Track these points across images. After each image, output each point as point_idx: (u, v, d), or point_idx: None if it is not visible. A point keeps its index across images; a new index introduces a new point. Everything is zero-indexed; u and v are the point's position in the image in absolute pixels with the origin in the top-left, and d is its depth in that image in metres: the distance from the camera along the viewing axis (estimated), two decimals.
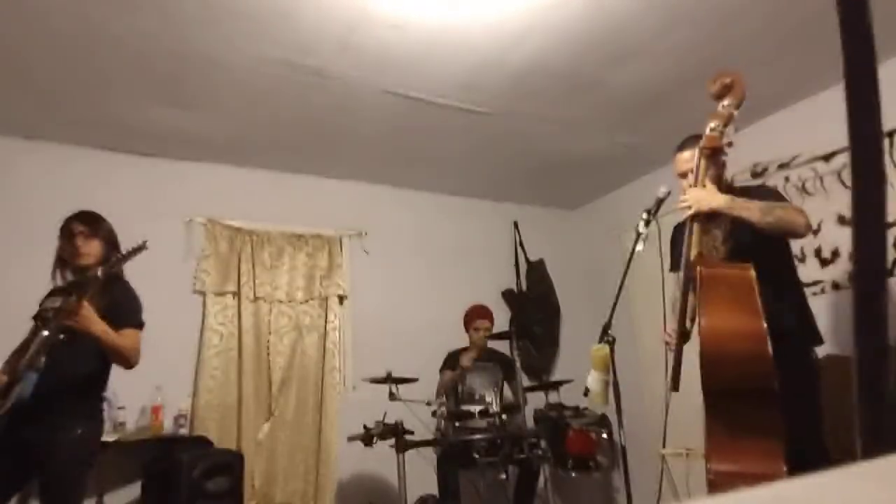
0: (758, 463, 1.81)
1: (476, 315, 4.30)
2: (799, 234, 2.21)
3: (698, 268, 2.05)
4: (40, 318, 2.45)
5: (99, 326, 2.29)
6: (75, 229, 2.50)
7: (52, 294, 2.55)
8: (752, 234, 2.22)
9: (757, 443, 1.84)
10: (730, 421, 1.88)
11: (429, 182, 4.90)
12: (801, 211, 2.23)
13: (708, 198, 2.18)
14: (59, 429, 2.32)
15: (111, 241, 2.57)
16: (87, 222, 2.54)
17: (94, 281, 2.27)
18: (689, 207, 2.20)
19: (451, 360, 4.26)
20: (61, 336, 2.27)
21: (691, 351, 2.22)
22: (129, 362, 2.44)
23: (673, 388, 2.20)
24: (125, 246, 2.61)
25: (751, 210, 2.15)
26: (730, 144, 2.16)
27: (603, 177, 4.98)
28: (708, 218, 2.22)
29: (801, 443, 2.03)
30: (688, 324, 2.28)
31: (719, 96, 2.16)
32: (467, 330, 4.31)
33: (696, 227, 2.19)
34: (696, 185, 2.21)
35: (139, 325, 2.52)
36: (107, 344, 2.34)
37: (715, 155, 2.22)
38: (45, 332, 2.27)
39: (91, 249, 2.50)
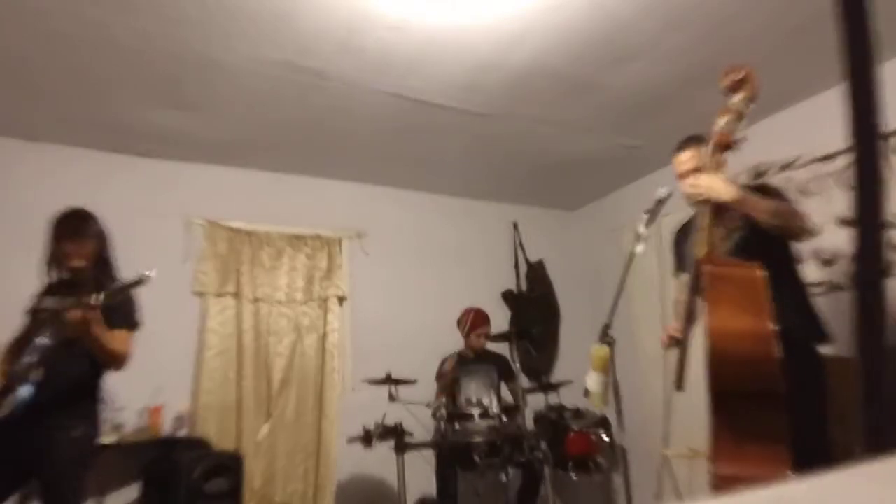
0: (762, 467, 1.78)
1: (478, 323, 4.23)
2: (800, 239, 2.20)
3: (705, 266, 2.00)
4: (37, 319, 2.45)
5: (101, 331, 2.29)
6: (64, 233, 2.47)
7: (48, 291, 2.54)
8: (754, 233, 2.21)
9: (762, 446, 1.82)
10: (735, 423, 1.85)
11: (428, 183, 4.90)
12: (806, 216, 2.22)
13: (722, 186, 2.13)
14: (56, 430, 2.31)
15: (102, 241, 2.55)
16: (77, 224, 2.49)
17: (90, 306, 2.20)
18: (701, 193, 2.13)
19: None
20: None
21: (696, 350, 2.22)
22: (117, 364, 2.43)
23: (678, 387, 2.18)
24: (118, 244, 2.62)
25: (759, 209, 2.13)
26: (741, 140, 2.12)
27: (603, 178, 4.98)
28: (716, 210, 2.17)
29: (805, 443, 2.02)
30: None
31: (731, 91, 2.11)
32: (467, 336, 4.24)
33: (706, 221, 2.12)
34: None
35: (133, 327, 2.51)
36: (99, 346, 2.34)
37: (726, 151, 2.16)
38: (46, 341, 2.27)
39: (82, 252, 2.47)
